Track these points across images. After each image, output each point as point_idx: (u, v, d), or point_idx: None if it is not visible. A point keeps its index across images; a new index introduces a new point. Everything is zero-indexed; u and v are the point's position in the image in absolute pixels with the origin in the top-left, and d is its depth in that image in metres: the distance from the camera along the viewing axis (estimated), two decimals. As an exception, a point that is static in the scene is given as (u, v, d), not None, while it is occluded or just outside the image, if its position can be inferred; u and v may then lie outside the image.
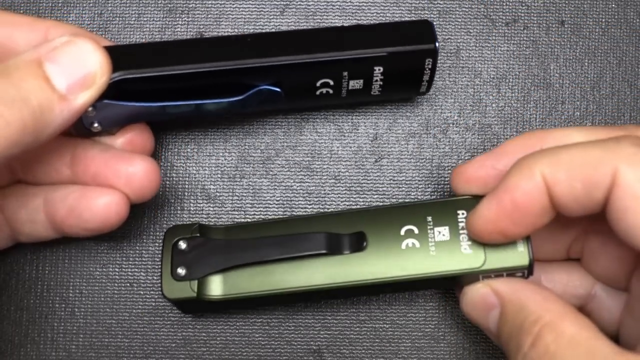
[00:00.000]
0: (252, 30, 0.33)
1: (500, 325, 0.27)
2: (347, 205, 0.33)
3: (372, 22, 0.33)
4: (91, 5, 0.33)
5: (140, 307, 0.32)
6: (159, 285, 0.32)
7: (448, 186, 0.33)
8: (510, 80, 0.34)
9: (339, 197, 0.33)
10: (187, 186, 0.33)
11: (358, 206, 0.33)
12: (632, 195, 0.23)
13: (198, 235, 0.29)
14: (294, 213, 0.33)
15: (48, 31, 0.27)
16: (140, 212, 0.33)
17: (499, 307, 0.27)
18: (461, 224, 0.28)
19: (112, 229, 0.28)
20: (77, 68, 0.25)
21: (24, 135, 0.23)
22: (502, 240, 0.27)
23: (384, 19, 0.33)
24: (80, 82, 0.25)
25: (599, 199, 0.24)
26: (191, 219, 0.33)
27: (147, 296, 0.32)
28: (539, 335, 0.24)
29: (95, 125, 0.28)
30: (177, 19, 0.33)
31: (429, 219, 0.28)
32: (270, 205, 0.33)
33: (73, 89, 0.25)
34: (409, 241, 0.28)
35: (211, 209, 0.33)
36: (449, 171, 0.33)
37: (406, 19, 0.34)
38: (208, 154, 0.33)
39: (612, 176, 0.24)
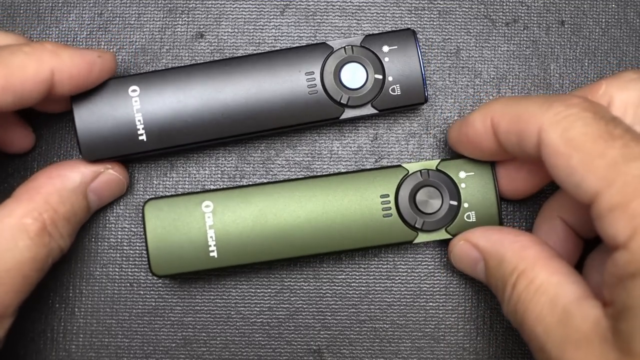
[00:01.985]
0: (252, 31, 0.33)
1: (487, 278, 0.28)
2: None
3: (371, 22, 0.33)
4: (91, 5, 0.33)
5: (140, 307, 0.32)
6: (159, 284, 0.32)
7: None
8: (510, 80, 0.34)
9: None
10: (187, 186, 0.33)
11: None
12: (555, 152, 0.24)
13: None
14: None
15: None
16: (141, 212, 0.33)
17: (482, 261, 0.28)
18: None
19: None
20: (109, 196, 0.31)
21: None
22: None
23: (383, 19, 0.33)
24: (106, 203, 0.32)
25: (530, 152, 0.26)
26: (191, 219, 0.33)
27: (147, 296, 0.32)
28: (515, 284, 0.26)
29: None
30: (177, 19, 0.33)
31: None
32: (270, 205, 0.33)
33: (98, 207, 0.31)
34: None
35: (211, 209, 0.33)
36: (449, 171, 0.33)
37: (406, 19, 0.34)
38: (208, 154, 0.33)
39: (538, 134, 0.25)
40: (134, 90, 0.29)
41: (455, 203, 0.30)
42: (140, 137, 0.29)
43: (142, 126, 0.29)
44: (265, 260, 0.29)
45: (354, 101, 0.30)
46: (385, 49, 0.30)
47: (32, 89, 0.27)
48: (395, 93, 0.30)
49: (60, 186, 0.29)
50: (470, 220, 0.30)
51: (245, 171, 0.33)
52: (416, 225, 0.30)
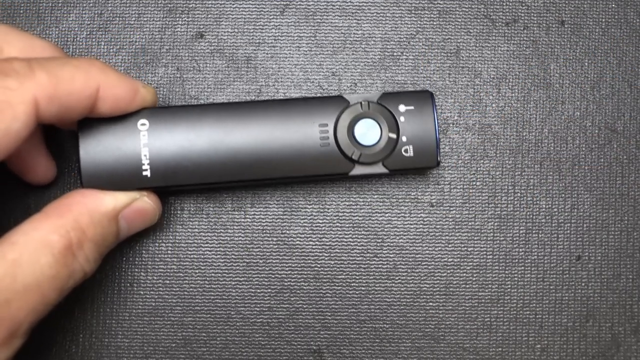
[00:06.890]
0: (252, 31, 0.33)
1: None
2: (347, 206, 0.33)
3: (371, 22, 0.33)
4: (91, 5, 0.33)
5: (140, 307, 0.32)
6: (159, 284, 0.32)
7: (448, 185, 0.33)
8: (510, 80, 0.34)
9: (339, 197, 0.33)
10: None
11: (358, 210, 0.33)
12: None
13: None
14: (294, 213, 0.33)
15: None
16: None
17: None
18: None
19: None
20: (140, 226, 0.30)
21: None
22: None
23: (383, 19, 0.33)
24: (134, 232, 0.30)
25: None
26: (191, 219, 0.33)
27: (147, 296, 0.32)
28: None
29: None
30: (177, 19, 0.33)
31: None
32: (270, 205, 0.33)
33: (126, 236, 0.30)
34: None
35: (211, 208, 0.33)
36: (449, 171, 0.33)
37: (406, 19, 0.34)
38: (208, 154, 0.33)
39: None
40: (143, 124, 0.29)
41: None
42: (145, 173, 0.29)
43: (148, 161, 0.29)
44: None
45: (366, 158, 0.30)
46: (402, 108, 0.30)
47: (78, 101, 0.26)
48: (408, 154, 0.30)
49: (93, 207, 0.27)
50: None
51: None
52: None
